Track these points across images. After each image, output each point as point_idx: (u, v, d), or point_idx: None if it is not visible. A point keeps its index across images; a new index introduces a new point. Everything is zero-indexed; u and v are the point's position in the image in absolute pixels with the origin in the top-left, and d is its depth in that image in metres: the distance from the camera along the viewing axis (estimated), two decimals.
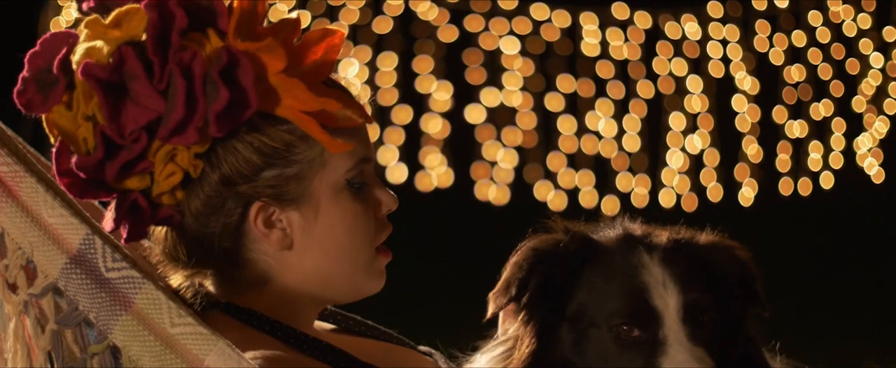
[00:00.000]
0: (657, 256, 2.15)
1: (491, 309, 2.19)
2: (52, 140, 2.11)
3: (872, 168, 9.18)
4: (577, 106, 8.69)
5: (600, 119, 8.72)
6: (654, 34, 8.72)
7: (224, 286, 2.18)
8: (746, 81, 8.96)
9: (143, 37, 2.06)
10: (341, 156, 2.14)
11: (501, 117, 8.61)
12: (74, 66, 2.07)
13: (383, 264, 2.23)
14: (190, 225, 2.12)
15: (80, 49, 2.08)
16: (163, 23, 2.05)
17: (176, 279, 2.19)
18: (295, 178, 2.12)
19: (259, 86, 2.05)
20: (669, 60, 8.76)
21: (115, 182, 2.06)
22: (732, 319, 2.18)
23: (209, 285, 2.19)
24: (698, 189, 8.90)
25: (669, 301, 2.12)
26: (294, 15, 2.21)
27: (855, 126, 9.16)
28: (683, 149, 8.88)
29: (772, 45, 8.95)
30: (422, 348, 2.43)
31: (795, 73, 9.02)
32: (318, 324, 2.33)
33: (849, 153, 9.16)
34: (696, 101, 8.86)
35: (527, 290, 2.16)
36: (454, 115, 8.53)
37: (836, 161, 9.13)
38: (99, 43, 2.07)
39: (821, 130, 9.14)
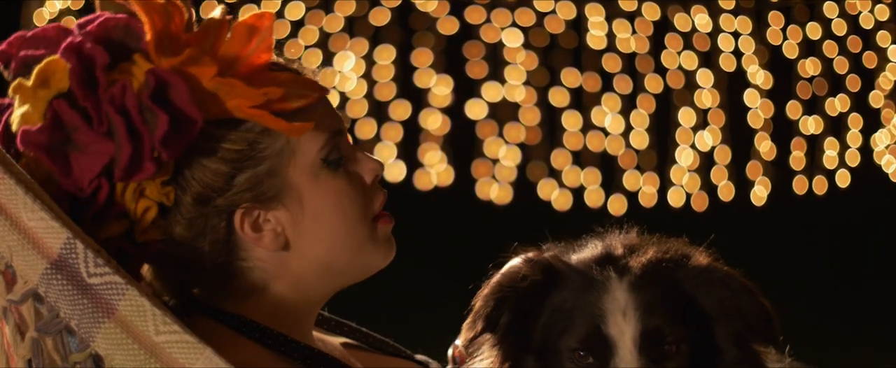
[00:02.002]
0: (626, 280, 2.16)
1: (461, 341, 2.23)
2: None
3: (890, 165, 9.17)
4: (582, 101, 8.68)
5: (607, 114, 8.71)
6: (663, 26, 8.71)
7: (214, 294, 2.18)
8: (759, 75, 8.95)
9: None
10: (309, 138, 2.15)
11: (503, 113, 8.60)
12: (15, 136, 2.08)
13: (386, 231, 2.24)
14: (179, 252, 2.12)
15: (15, 117, 2.09)
16: (84, 66, 2.06)
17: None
18: (269, 174, 2.13)
19: (197, 98, 2.05)
20: (679, 53, 8.75)
21: (94, 230, 2.07)
22: (718, 349, 2.19)
23: (196, 291, 2.20)
24: (709, 187, 8.88)
25: (626, 329, 2.13)
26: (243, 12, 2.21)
27: (872, 122, 9.15)
28: (693, 146, 8.87)
29: (785, 38, 8.94)
30: (418, 357, 2.44)
31: (810, 67, 9.01)
32: (317, 334, 2.33)
33: (866, 150, 9.15)
34: (707, 96, 8.84)
35: (494, 325, 2.19)
36: (454, 111, 8.52)
37: (853, 158, 9.12)
38: (30, 107, 2.07)
39: (837, 126, 9.13)
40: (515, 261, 2.24)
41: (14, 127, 2.09)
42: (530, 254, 2.24)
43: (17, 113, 2.09)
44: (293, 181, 2.14)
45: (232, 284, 2.17)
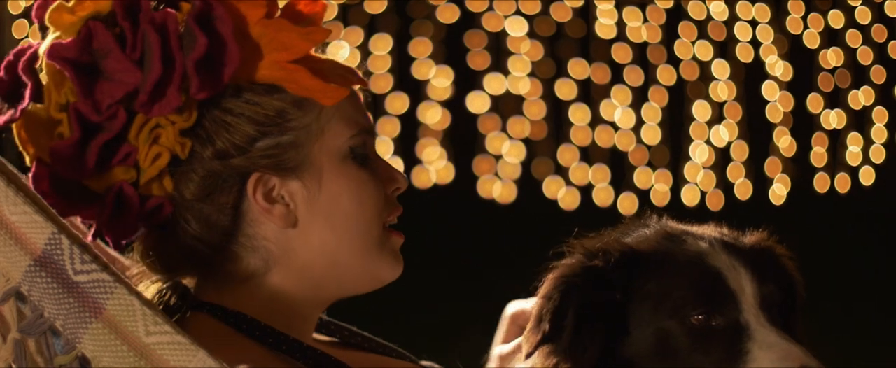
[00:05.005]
0: (717, 244, 2.17)
1: (525, 349, 2.19)
2: (27, 160, 2.15)
3: None
4: (590, 94, 8.70)
5: (616, 108, 8.72)
6: (676, 14, 8.72)
7: (212, 284, 2.19)
8: (778, 66, 8.97)
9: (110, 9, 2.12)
10: (339, 124, 2.19)
11: (507, 106, 8.61)
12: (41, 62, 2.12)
13: (397, 245, 2.25)
14: (182, 214, 2.14)
15: (45, 44, 2.13)
16: None
17: (155, 285, 2.21)
18: (292, 146, 2.16)
19: (239, 38, 2.09)
20: (693, 43, 8.76)
21: (97, 174, 2.09)
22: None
23: (192, 284, 2.21)
24: (725, 185, 8.90)
25: (745, 285, 2.13)
26: None
27: None
28: (708, 142, 8.89)
29: (806, 27, 8.95)
30: (424, 363, 2.45)
31: (832, 58, 9.02)
32: (315, 336, 2.34)
33: (891, 146, 9.16)
34: (723, 89, 8.86)
35: (563, 322, 2.15)
36: (455, 104, 8.53)
37: (878, 154, 9.13)
38: (64, 30, 2.12)
39: (860, 121, 9.15)
40: (573, 257, 2.21)
41: (42, 51, 2.13)
42: (594, 245, 2.20)
43: (50, 38, 2.13)
44: (315, 158, 2.17)
45: (231, 267, 2.18)
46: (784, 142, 9.03)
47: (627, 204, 8.70)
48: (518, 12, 8.51)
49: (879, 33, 9.02)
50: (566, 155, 8.72)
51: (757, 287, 2.13)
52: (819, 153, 9.11)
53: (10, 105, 2.15)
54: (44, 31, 2.19)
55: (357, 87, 2.25)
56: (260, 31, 2.12)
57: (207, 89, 2.09)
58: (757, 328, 2.11)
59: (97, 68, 2.10)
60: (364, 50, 8.24)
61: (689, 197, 8.84)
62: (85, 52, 2.09)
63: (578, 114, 8.68)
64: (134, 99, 2.09)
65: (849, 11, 8.97)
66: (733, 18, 8.80)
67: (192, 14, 2.09)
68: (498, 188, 8.63)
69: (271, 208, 2.16)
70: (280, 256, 2.19)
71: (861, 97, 9.12)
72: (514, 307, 2.37)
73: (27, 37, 7.32)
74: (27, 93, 2.14)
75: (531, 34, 8.55)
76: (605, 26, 8.62)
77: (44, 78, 2.14)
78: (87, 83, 2.09)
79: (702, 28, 8.76)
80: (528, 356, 2.18)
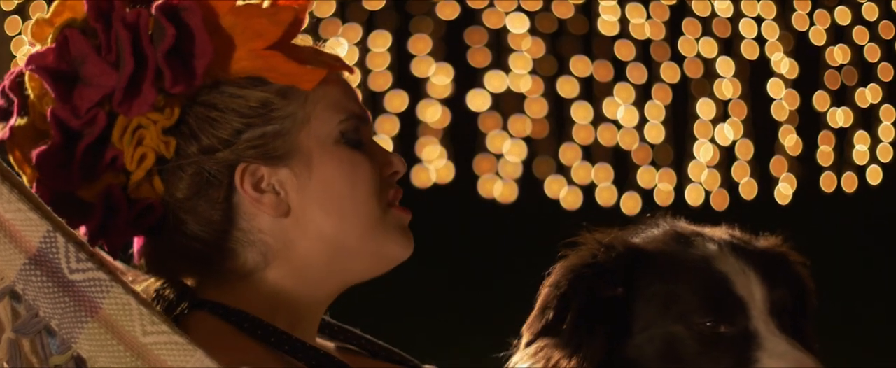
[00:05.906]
0: (727, 247, 2.17)
1: (526, 338, 2.19)
2: (25, 180, 2.17)
3: None
4: (592, 91, 8.70)
5: (619, 106, 8.72)
6: (680, 11, 8.72)
7: (212, 283, 2.20)
8: (784, 64, 8.97)
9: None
10: (326, 109, 2.19)
11: (508, 104, 8.62)
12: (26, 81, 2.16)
13: (403, 220, 2.25)
14: (172, 213, 2.16)
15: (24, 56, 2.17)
16: None
17: (155, 284, 2.22)
18: (277, 135, 2.18)
19: (211, 30, 2.11)
20: (697, 40, 8.76)
21: (87, 182, 2.10)
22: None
23: (191, 282, 2.22)
24: (730, 185, 8.90)
25: (755, 290, 2.13)
26: None
27: None
28: (713, 141, 8.89)
29: (812, 24, 8.95)
30: (426, 367, 2.45)
31: (839, 55, 9.02)
32: (318, 339, 2.35)
33: None
34: (728, 86, 8.86)
35: (567, 313, 2.16)
36: (455, 102, 8.53)
37: (885, 153, 9.13)
38: (42, 42, 2.16)
39: (867, 119, 9.15)
40: (584, 248, 2.21)
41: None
42: (603, 238, 2.21)
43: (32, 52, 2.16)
44: (303, 145, 2.18)
45: (230, 264, 2.19)
46: (790, 140, 9.03)
47: (630, 203, 8.71)
48: (519, 9, 8.51)
49: (887, 30, 9.02)
50: (568, 153, 8.72)
51: (767, 292, 2.13)
52: (825, 152, 9.11)
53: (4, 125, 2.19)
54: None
55: (347, 76, 2.26)
56: (231, 22, 2.14)
57: (181, 82, 2.11)
58: (766, 336, 2.11)
59: (76, 75, 2.12)
60: (363, 47, 8.24)
61: (694, 196, 8.84)
62: (62, 60, 2.12)
63: (581, 113, 8.69)
64: (112, 100, 2.11)
65: (855, 8, 8.97)
66: (738, 15, 8.80)
67: (159, 7, 2.12)
68: (499, 187, 8.63)
69: (261, 198, 2.17)
70: (279, 249, 2.19)
71: (868, 95, 9.12)
72: None
73: (20, 34, 7.33)
74: (14, 110, 2.16)
75: (532, 31, 8.55)
76: (607, 23, 8.62)
77: (29, 91, 2.16)
78: (64, 89, 2.11)
79: (706, 25, 8.76)
80: (529, 344, 2.18)
